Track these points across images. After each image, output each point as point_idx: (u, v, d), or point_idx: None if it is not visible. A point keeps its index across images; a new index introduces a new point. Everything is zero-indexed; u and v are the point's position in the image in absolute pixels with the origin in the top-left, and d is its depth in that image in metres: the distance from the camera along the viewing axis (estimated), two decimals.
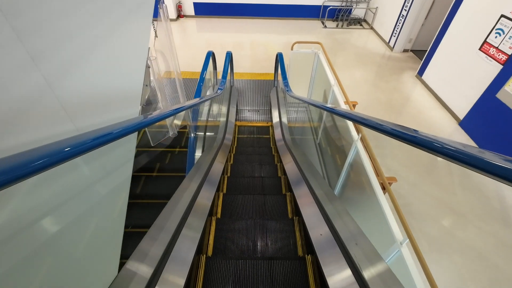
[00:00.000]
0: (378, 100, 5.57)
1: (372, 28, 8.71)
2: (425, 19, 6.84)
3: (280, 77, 4.81)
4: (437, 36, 5.67)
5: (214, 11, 9.19)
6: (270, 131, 4.74)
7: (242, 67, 6.67)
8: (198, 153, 3.50)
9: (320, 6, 8.99)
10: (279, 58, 4.46)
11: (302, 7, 9.08)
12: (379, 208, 1.91)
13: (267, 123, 4.98)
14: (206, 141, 3.44)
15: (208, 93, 4.94)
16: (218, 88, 3.57)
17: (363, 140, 2.53)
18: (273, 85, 5.65)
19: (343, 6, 8.76)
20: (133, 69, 1.38)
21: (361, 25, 9.05)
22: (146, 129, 3.98)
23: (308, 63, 4.69)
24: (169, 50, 3.68)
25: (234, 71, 6.41)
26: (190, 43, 7.84)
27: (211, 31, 8.55)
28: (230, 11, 9.21)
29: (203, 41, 7.97)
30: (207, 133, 3.58)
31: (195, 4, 9.02)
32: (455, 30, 5.16)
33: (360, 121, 1.43)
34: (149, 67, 1.69)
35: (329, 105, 2.13)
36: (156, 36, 4.14)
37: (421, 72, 6.15)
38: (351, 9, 8.89)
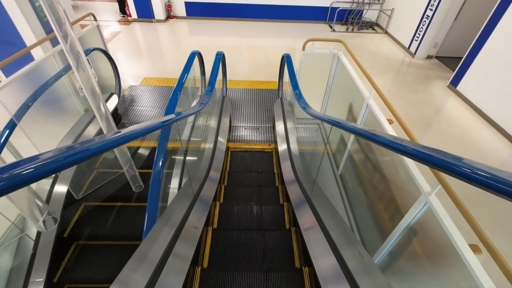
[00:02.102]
0: (409, 116, 4.45)
1: (386, 32, 7.70)
2: (454, 20, 5.82)
3: (287, 86, 3.68)
4: (478, 38, 4.61)
5: (208, 12, 8.16)
6: (274, 160, 3.57)
7: (239, 74, 5.56)
8: (170, 193, 2.32)
9: (328, 7, 8.00)
10: (286, 61, 3.34)
11: (307, 9, 8.09)
12: None
13: (269, 145, 3.82)
14: (179, 183, 2.26)
15: (194, 105, 3.79)
16: (200, 103, 2.42)
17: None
18: (277, 96, 4.53)
19: (353, 8, 7.78)
20: None
21: (373, 29, 8.06)
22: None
23: (325, 68, 3.58)
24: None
25: (229, 78, 5.29)
26: (180, 47, 6.75)
27: (204, 34, 7.49)
28: (226, 13, 8.19)
29: (195, 45, 6.88)
30: (181, 169, 2.40)
31: (186, 4, 8.00)
32: (507, 30, 4.10)
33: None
34: None
35: (396, 140, 1.02)
36: None
37: (455, 82, 5.07)
38: (362, 12, 7.91)
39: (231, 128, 3.99)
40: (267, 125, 4.13)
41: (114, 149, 2.59)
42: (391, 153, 1.99)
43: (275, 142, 3.83)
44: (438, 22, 5.84)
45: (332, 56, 3.46)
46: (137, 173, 2.42)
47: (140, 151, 3.53)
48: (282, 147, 3.26)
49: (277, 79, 5.29)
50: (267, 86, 5.08)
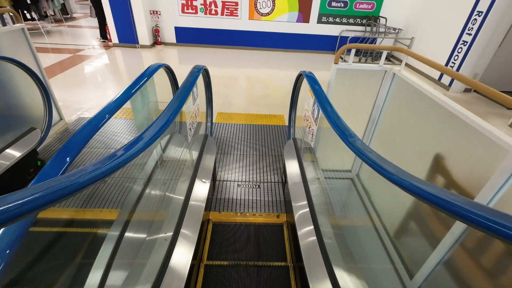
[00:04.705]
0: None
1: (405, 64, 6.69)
2: (499, 46, 4.76)
3: (304, 121, 2.30)
4: None
5: (202, 39, 7.20)
6: (287, 245, 2.05)
7: (233, 105, 4.26)
8: None
9: (337, 37, 7.10)
10: (310, 83, 2.00)
11: (313, 37, 7.18)
12: None
13: (278, 216, 2.31)
14: None
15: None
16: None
17: None
18: (287, 136, 3.14)
19: (366, 36, 6.87)
20: None
21: (389, 60, 7.09)
22: None
23: (368, 91, 2.25)
24: None
25: (219, 110, 3.96)
26: (163, 74, 5.54)
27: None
28: (222, 40, 7.24)
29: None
30: None
31: (177, 29, 7.06)
32: None
33: None
34: None
35: None
36: None
37: None
38: (375, 41, 7.00)
39: (215, 186, 2.50)
40: (273, 180, 2.65)
41: None
42: None
43: (288, 211, 2.32)
44: (478, 49, 4.77)
45: (382, 74, 2.15)
46: None
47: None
48: (312, 264, 1.70)
49: (282, 112, 3.97)
50: (271, 121, 3.72)
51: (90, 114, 3.62)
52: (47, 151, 2.83)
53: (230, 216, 2.24)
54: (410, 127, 1.97)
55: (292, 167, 2.39)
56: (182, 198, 1.97)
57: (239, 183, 2.57)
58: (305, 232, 1.83)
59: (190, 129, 1.94)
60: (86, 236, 2.04)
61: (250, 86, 5.27)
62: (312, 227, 1.84)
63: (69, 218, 2.09)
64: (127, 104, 1.80)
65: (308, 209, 1.96)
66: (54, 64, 5.37)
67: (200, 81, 2.64)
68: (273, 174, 2.72)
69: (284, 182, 2.54)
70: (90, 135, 1.32)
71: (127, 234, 1.80)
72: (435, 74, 5.61)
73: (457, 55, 5.07)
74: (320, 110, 1.80)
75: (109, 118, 1.45)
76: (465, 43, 4.90)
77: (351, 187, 2.67)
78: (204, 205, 1.98)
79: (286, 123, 3.68)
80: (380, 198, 2.27)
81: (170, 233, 1.69)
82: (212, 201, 2.36)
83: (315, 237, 1.75)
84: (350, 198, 2.54)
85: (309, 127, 2.08)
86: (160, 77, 2.59)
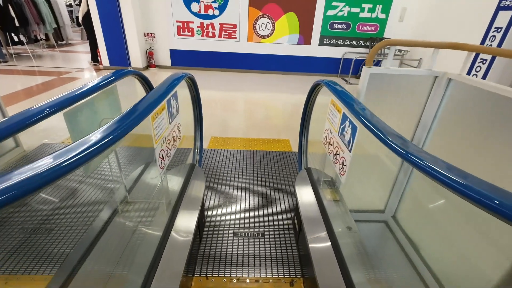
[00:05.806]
0: None
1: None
2: None
3: (331, 147, 1.69)
4: None
5: (198, 61, 6.85)
6: None
7: (230, 129, 3.68)
8: None
9: (340, 59, 6.78)
10: (336, 92, 1.43)
11: (315, 60, 6.85)
12: None
13: (291, 284, 1.60)
14: None
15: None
16: None
17: None
18: (299, 165, 2.51)
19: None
20: None
21: None
22: None
23: (411, 104, 1.68)
24: None
25: (214, 134, 3.39)
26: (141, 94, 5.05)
27: None
28: (220, 63, 6.89)
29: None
30: None
31: (172, 52, 6.73)
32: None
33: None
34: None
35: None
36: None
37: None
38: (380, 63, 6.67)
39: (202, 236, 1.82)
40: (281, 226, 1.98)
41: None
42: None
43: (307, 273, 1.61)
44: (500, 67, 4.34)
45: (431, 80, 1.59)
46: None
47: None
48: None
49: (286, 136, 3.39)
50: (274, 147, 3.12)
51: (59, 139, 3.02)
52: None
53: (222, 284, 1.53)
54: (485, 154, 1.36)
55: (308, 207, 1.73)
56: (150, 258, 1.31)
57: (236, 230, 1.89)
58: None
59: (163, 157, 1.32)
60: None
61: (249, 108, 4.76)
62: None
63: None
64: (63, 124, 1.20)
65: (341, 276, 1.28)
66: (31, 87, 4.88)
67: (186, 94, 2.08)
68: (281, 216, 2.05)
69: (299, 229, 1.86)
70: None
71: None
72: None
73: (475, 75, 4.64)
74: (357, 129, 1.21)
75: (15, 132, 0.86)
76: (484, 61, 4.48)
77: (386, 233, 2.00)
78: (182, 268, 1.30)
79: (293, 149, 3.08)
80: (436, 254, 1.59)
81: None
82: (196, 260, 1.67)
83: None
84: (389, 252, 1.86)
85: (335, 154, 1.47)
86: (136, 94, 2.04)
